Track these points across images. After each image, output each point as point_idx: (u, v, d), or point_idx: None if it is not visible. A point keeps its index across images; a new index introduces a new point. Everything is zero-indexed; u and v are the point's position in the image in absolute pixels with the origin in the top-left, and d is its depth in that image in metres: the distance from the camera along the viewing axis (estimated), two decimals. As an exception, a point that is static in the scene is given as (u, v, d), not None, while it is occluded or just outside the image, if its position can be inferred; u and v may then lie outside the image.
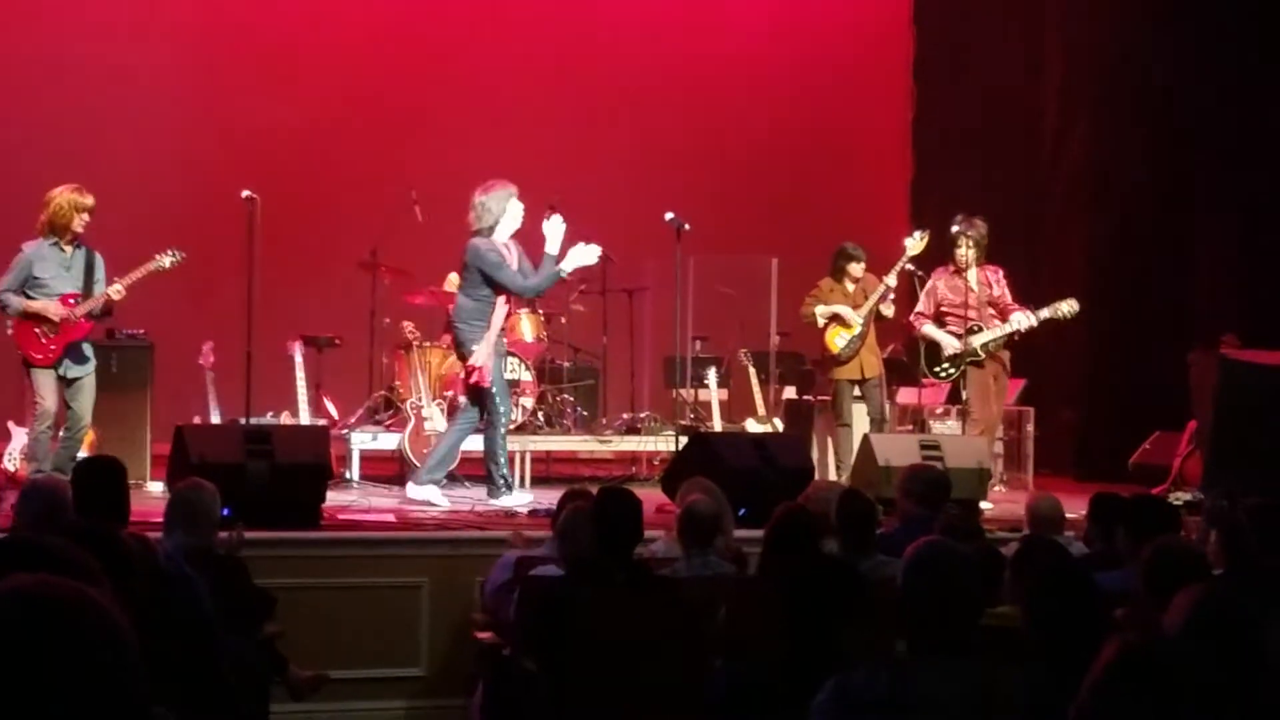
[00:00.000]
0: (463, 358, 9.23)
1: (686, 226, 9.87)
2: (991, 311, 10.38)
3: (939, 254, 10.61)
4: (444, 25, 14.05)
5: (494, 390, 9.09)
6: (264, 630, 6.18)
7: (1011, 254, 11.71)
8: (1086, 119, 13.45)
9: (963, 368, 10.29)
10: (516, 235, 9.37)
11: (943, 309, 10.44)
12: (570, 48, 14.23)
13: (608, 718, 4.96)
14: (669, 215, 9.88)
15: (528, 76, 13.98)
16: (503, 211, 9.24)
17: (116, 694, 1.51)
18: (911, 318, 10.58)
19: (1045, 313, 10.33)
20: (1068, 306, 10.31)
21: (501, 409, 9.17)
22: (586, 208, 11.66)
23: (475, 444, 10.69)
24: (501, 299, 9.14)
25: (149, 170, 12.76)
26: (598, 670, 4.94)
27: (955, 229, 10.40)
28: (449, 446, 9.35)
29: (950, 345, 10.30)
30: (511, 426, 10.78)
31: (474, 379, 9.08)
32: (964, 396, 10.38)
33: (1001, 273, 10.53)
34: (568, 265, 9.27)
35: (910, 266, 10.52)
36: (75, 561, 2.71)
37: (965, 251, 10.34)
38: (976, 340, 10.29)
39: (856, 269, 10.69)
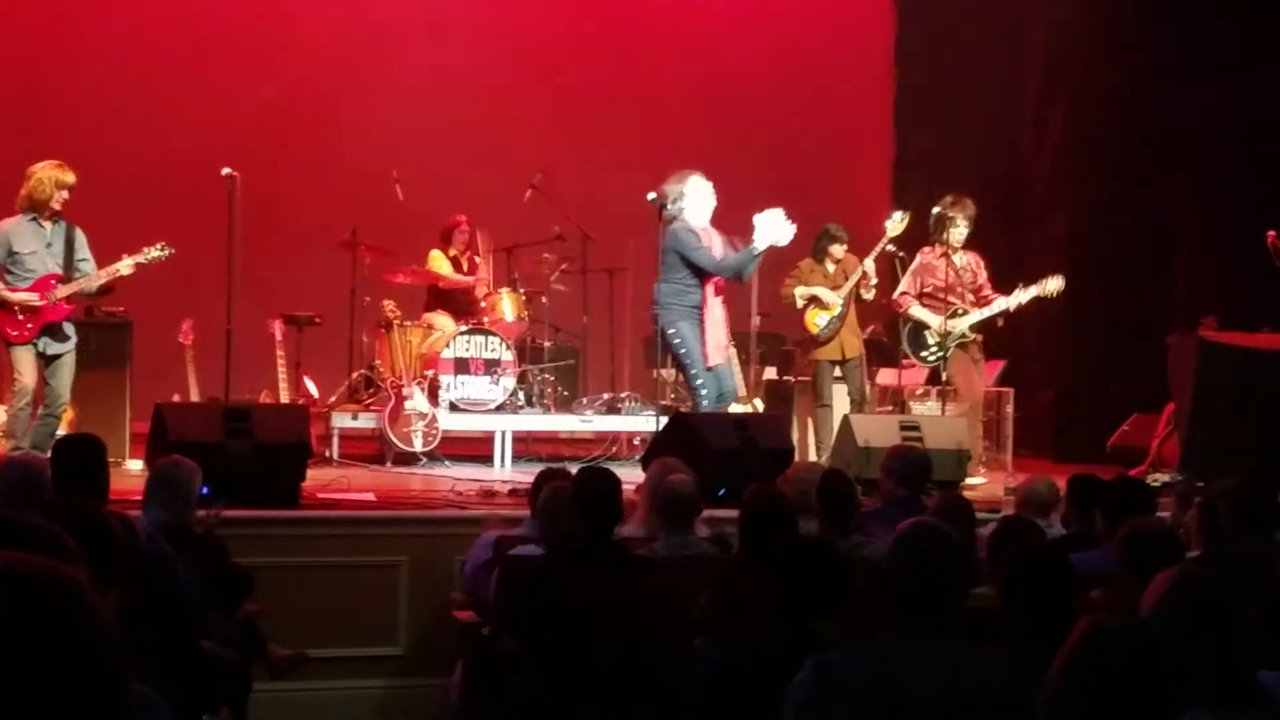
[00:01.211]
0: (664, 340, 9.48)
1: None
2: (971, 297, 10.40)
3: (919, 235, 10.62)
4: (425, 3, 14.01)
5: (692, 370, 9.46)
6: (243, 609, 6.18)
7: (992, 236, 11.71)
8: (1068, 101, 13.45)
9: (948, 351, 10.30)
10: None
11: (926, 290, 10.45)
12: (552, 28, 14.21)
13: (588, 697, 4.97)
14: (651, 195, 9.87)
15: (510, 57, 13.94)
16: (693, 195, 9.55)
17: (95, 673, 1.51)
18: (896, 296, 10.55)
19: (1034, 290, 10.33)
20: (1054, 284, 10.32)
21: (703, 391, 9.44)
22: (568, 187, 11.70)
23: (460, 423, 10.73)
24: (705, 282, 9.44)
25: (129, 147, 12.71)
26: (578, 650, 4.95)
27: (947, 211, 10.39)
28: None
29: (937, 324, 10.31)
30: (492, 406, 10.83)
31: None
32: (944, 377, 10.39)
33: (981, 260, 10.57)
34: (760, 243, 9.47)
35: (891, 248, 10.51)
36: (51, 539, 2.70)
37: (960, 232, 10.36)
38: (964, 322, 10.31)
39: (838, 250, 10.69)
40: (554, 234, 11.85)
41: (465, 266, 11.65)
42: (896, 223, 10.47)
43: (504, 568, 5.63)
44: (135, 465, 9.33)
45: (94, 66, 12.99)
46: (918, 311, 10.42)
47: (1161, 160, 12.69)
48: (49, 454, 6.60)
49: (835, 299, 10.52)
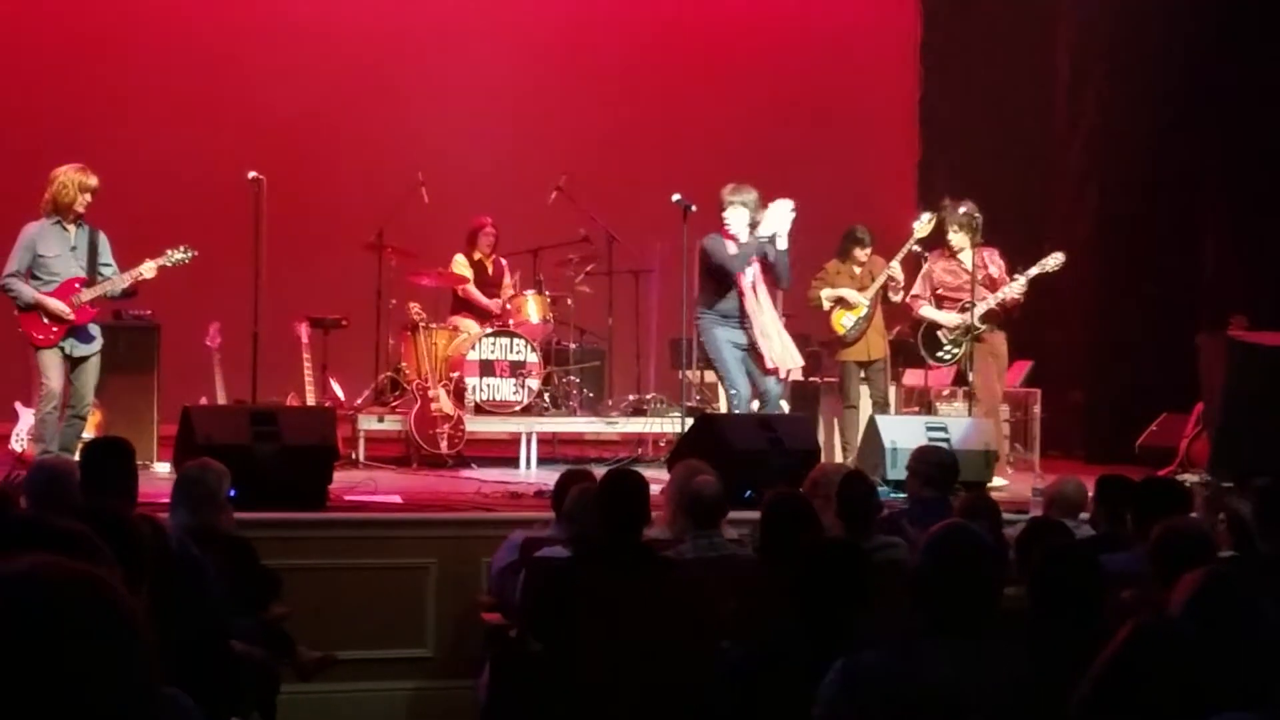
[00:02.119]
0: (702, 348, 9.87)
1: (693, 208, 9.86)
2: (984, 293, 10.38)
3: (942, 236, 10.62)
4: (449, 5, 14.03)
5: (723, 376, 9.78)
6: (271, 611, 6.19)
7: (1018, 235, 11.69)
8: (1095, 99, 13.41)
9: (965, 347, 10.26)
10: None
11: (939, 292, 10.45)
12: (576, 28, 14.21)
13: (614, 700, 4.96)
14: (676, 196, 9.86)
15: (534, 58, 13.95)
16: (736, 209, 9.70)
17: (129, 675, 1.51)
18: (909, 300, 10.55)
19: (1034, 270, 10.31)
20: (1053, 260, 10.30)
21: (732, 391, 9.66)
22: (593, 189, 11.68)
23: (486, 425, 10.74)
24: (733, 286, 9.60)
25: (155, 152, 12.74)
26: (604, 652, 4.94)
27: (946, 214, 10.40)
28: None
29: (950, 321, 10.29)
30: (517, 408, 10.84)
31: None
32: (970, 377, 10.36)
33: (996, 253, 10.51)
34: (764, 229, 9.62)
35: (918, 249, 10.50)
36: (82, 541, 2.71)
37: (954, 235, 10.35)
38: (974, 313, 10.28)
39: (863, 253, 10.67)
40: (579, 235, 11.85)
41: (490, 270, 11.66)
42: (924, 224, 10.46)
43: (530, 570, 5.63)
44: (163, 468, 9.36)
45: (120, 70, 13.03)
46: (929, 311, 10.41)
47: (1190, 159, 12.63)
48: (77, 456, 6.63)
49: (861, 300, 10.50)
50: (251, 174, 9.50)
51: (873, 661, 3.53)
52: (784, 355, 9.69)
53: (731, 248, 9.62)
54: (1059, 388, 12.70)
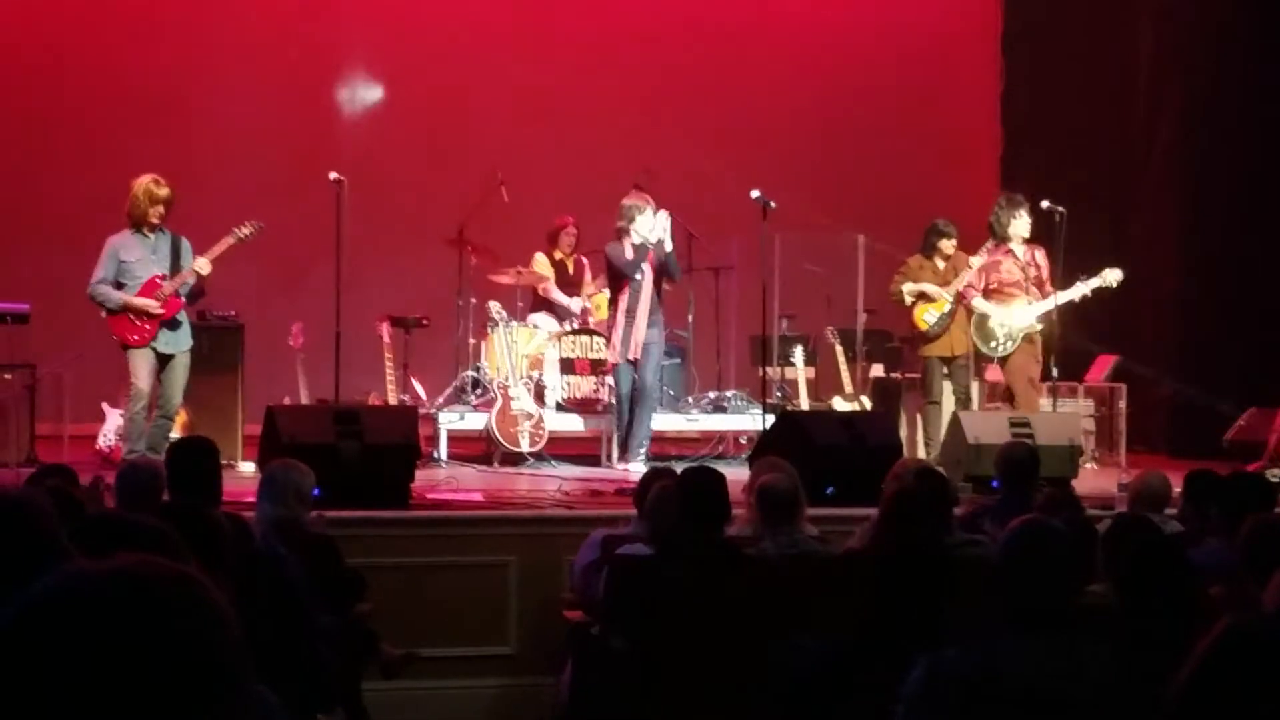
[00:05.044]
0: None
1: (772, 204, 9.83)
2: (1035, 291, 10.34)
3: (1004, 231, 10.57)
4: (528, 6, 14.06)
5: None
6: (356, 610, 6.23)
7: (1100, 228, 11.59)
8: (1179, 89, 13.23)
9: (1017, 343, 10.24)
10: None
11: (991, 287, 10.40)
12: (655, 24, 14.20)
13: (696, 695, 4.95)
14: (755, 193, 9.84)
15: (613, 54, 13.97)
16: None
17: (222, 673, 1.52)
18: (961, 289, 10.48)
19: (1095, 282, 10.29)
20: (1113, 275, 10.26)
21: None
22: (672, 186, 11.66)
23: (567, 423, 10.77)
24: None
25: (237, 154, 12.87)
26: (686, 648, 4.94)
27: (1003, 209, 10.39)
28: None
29: (1000, 316, 10.26)
30: (598, 406, 10.86)
31: None
32: (1002, 370, 10.38)
33: (1044, 252, 10.49)
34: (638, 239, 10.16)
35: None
36: (162, 539, 2.74)
37: (1018, 226, 10.32)
38: (1030, 313, 10.25)
39: (948, 246, 10.62)
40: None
41: (571, 269, 11.69)
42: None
43: (613, 567, 5.63)
44: (248, 467, 9.44)
45: (203, 75, 13.16)
46: (980, 304, 10.38)
47: (1276, 151, 12.44)
48: (164, 456, 6.71)
49: (944, 295, 10.44)
50: (333, 175, 9.57)
51: (955, 659, 3.50)
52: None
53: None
54: (1144, 382, 12.54)
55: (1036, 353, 10.39)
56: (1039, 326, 10.30)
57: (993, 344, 10.37)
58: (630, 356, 10.16)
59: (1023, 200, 10.46)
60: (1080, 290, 10.27)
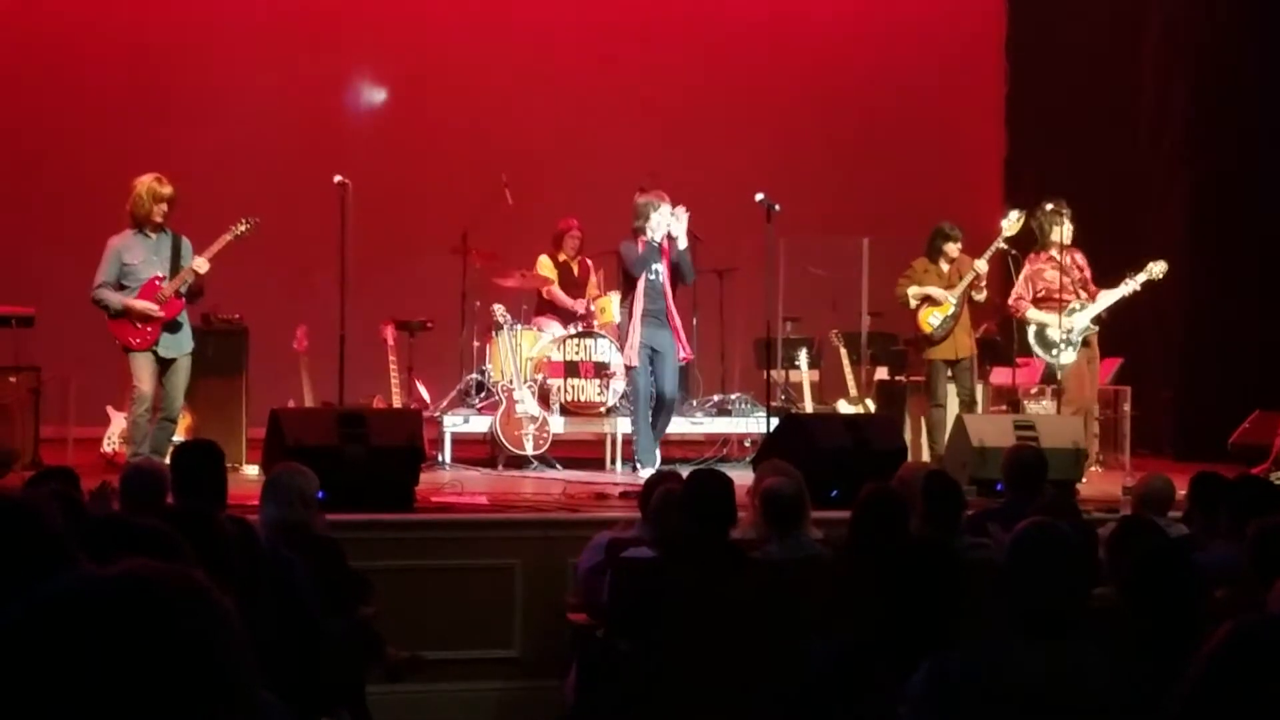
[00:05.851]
0: None
1: (777, 207, 9.83)
2: (1083, 294, 10.39)
3: (1029, 234, 10.59)
4: (532, 8, 14.07)
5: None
6: (361, 613, 6.22)
7: (1105, 231, 11.59)
8: (1183, 94, 13.22)
9: (1078, 348, 10.31)
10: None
11: (1039, 295, 10.45)
12: (661, 28, 14.21)
13: (701, 699, 4.95)
14: (759, 196, 9.85)
15: (618, 59, 13.97)
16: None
17: (226, 677, 1.52)
18: (1012, 301, 10.56)
19: (1142, 276, 10.41)
20: (1158, 267, 10.39)
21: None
22: (677, 188, 11.65)
23: (571, 426, 10.76)
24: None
25: (242, 157, 12.89)
26: (691, 651, 4.94)
27: (1048, 215, 10.43)
28: None
29: (1055, 322, 10.31)
30: (603, 409, 10.85)
31: None
32: (1058, 377, 10.36)
33: (1081, 254, 10.57)
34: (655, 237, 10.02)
35: (1004, 247, 10.47)
36: (165, 542, 2.74)
37: (1062, 231, 10.36)
38: (1085, 316, 10.33)
39: (953, 249, 10.63)
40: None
41: (576, 271, 11.68)
42: (1012, 222, 10.45)
43: (616, 570, 5.62)
44: (252, 470, 9.45)
45: (209, 79, 13.17)
46: (1035, 314, 10.43)
47: (1278, 153, 12.43)
48: (168, 459, 6.71)
49: (949, 298, 10.45)
50: (337, 178, 9.57)
51: (960, 661, 3.49)
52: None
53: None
54: (1149, 385, 12.54)
55: (1090, 355, 10.46)
56: (1095, 328, 10.38)
57: (1054, 351, 10.41)
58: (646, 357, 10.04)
59: (1065, 206, 10.50)
60: (1130, 287, 10.41)
